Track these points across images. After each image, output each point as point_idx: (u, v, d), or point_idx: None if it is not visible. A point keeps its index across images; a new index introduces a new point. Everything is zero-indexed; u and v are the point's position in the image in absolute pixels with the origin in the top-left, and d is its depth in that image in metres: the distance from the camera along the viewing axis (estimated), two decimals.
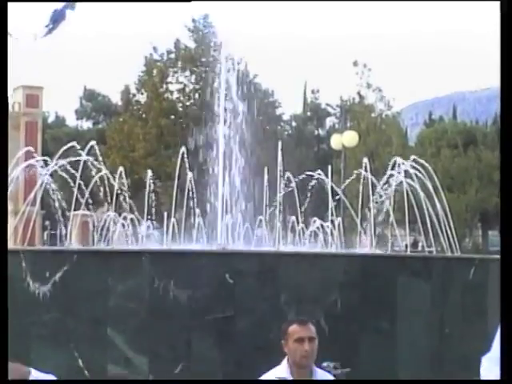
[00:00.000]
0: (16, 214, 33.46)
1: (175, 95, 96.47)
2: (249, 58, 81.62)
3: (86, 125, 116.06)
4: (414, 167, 24.73)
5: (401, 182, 24.50)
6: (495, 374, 8.41)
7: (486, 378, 8.48)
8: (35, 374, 8.75)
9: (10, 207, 26.43)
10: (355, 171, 27.87)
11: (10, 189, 27.37)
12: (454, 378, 14.85)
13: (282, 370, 9.35)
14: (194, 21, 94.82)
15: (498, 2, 8.35)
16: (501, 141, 8.37)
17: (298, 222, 26.68)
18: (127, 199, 26.72)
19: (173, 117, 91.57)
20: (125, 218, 25.65)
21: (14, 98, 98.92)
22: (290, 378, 9.29)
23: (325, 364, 9.37)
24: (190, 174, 25.88)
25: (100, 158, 26.39)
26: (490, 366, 8.51)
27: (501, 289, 7.44)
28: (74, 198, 25.53)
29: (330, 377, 9.39)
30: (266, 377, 9.37)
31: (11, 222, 33.26)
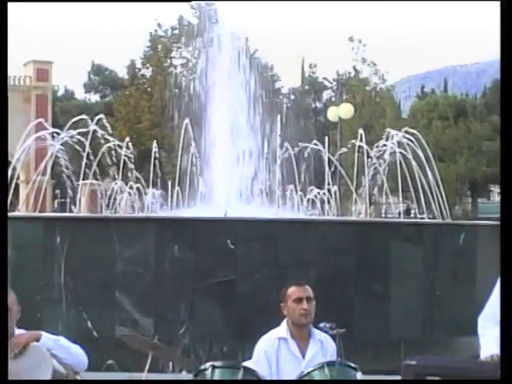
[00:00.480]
0: (27, 183, 33.45)
1: (179, 69, 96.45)
2: (248, 35, 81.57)
3: (94, 98, 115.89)
4: (406, 138, 24.75)
5: (394, 152, 24.50)
6: (493, 332, 8.48)
7: (485, 336, 8.51)
8: (46, 337, 8.78)
9: (21, 177, 26.53)
10: (351, 142, 27.87)
11: (21, 159, 27.48)
12: (444, 337, 14.88)
13: (281, 331, 9.39)
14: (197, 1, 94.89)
15: (498, 2, 8.08)
16: (501, 134, 7.69)
17: (296, 191, 26.71)
18: (133, 169, 26.74)
19: (176, 90, 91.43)
20: (131, 187, 25.67)
21: (25, 72, 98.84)
22: (289, 338, 9.32)
23: (322, 325, 9.36)
24: (193, 145, 25.90)
25: (107, 130, 26.41)
26: (486, 324, 8.62)
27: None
28: (83, 167, 25.55)
29: (328, 337, 9.41)
30: (266, 337, 9.40)
31: (23, 191, 33.17)
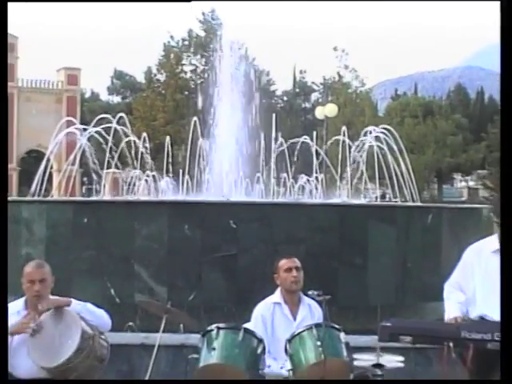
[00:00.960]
0: (59, 172, 33.42)
1: (188, 75, 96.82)
2: (247, 44, 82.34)
3: (116, 99, 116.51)
4: (382, 133, 24.83)
5: (372, 146, 24.59)
6: (456, 296, 8.54)
7: (448, 302, 8.58)
8: (75, 303, 8.79)
9: (54, 166, 26.55)
10: (335, 137, 27.96)
11: (54, 151, 27.51)
12: (414, 303, 14.93)
13: (276, 297, 9.46)
14: (203, 14, 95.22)
15: (498, 2, 7.58)
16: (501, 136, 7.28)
17: (288, 178, 26.83)
18: (149, 160, 26.86)
19: (186, 92, 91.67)
20: (148, 175, 25.76)
21: (58, 78, 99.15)
22: (282, 303, 9.38)
23: (310, 292, 9.39)
24: (200, 139, 26.04)
25: (127, 126, 26.51)
26: (451, 290, 8.66)
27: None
28: (106, 158, 25.63)
29: (315, 303, 9.43)
30: (263, 303, 9.45)
31: (56, 179, 33.11)
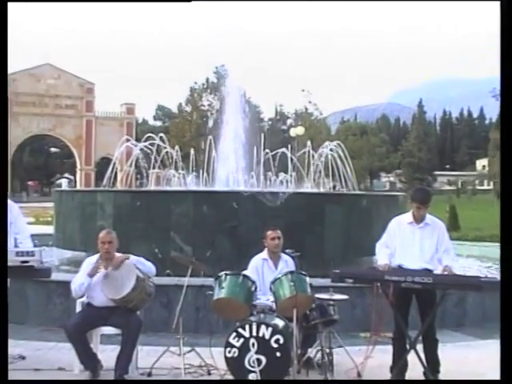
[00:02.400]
0: (121, 171, 33.35)
1: (206, 107, 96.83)
2: (245, 87, 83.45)
3: (158, 123, 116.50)
4: (334, 146, 24.86)
5: (327, 154, 24.64)
6: (383, 250, 8.56)
7: (379, 255, 8.61)
8: (132, 257, 8.82)
9: (118, 168, 26.43)
10: (303, 149, 28.07)
11: (118, 157, 27.56)
12: (355, 257, 14.93)
13: (264, 255, 9.43)
14: (216, 67, 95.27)
15: (498, 2, 6.21)
16: (501, 142, 6.45)
17: (272, 175, 26.92)
18: (180, 163, 26.95)
19: (204, 119, 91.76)
20: (179, 174, 25.80)
21: (120, 109, 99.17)
22: (268, 259, 9.39)
23: (287, 251, 9.41)
24: (213, 152, 26.22)
25: (165, 142, 26.61)
26: (380, 247, 8.64)
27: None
28: (152, 162, 25.70)
29: (289, 258, 9.43)
30: (255, 258, 9.43)
31: (119, 176, 32.97)
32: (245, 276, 8.78)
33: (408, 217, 8.63)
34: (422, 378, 8.22)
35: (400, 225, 8.65)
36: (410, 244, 8.46)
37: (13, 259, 8.59)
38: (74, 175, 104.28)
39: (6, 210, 5.33)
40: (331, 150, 24.77)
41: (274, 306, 8.66)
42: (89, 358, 8.48)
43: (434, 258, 8.37)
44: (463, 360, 9.52)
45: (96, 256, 8.89)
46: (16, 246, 9.31)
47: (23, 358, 9.30)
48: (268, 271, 9.21)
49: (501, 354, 4.64)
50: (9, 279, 9.36)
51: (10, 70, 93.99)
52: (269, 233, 9.41)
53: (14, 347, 9.74)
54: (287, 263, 9.35)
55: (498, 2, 5.93)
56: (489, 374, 8.82)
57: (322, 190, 24.39)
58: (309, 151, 26.15)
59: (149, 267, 8.91)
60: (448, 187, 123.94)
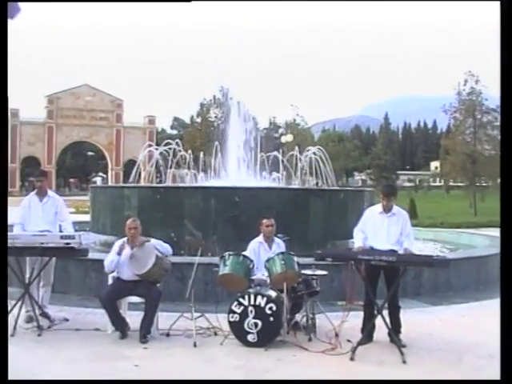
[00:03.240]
0: (144, 171, 33.32)
1: (213, 119, 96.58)
2: (244, 101, 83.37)
3: (174, 132, 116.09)
4: (317, 150, 24.85)
5: (311, 157, 24.63)
6: (359, 235, 8.57)
7: (355, 239, 8.62)
8: (153, 240, 8.84)
9: (141, 168, 26.44)
10: (291, 152, 28.00)
11: (142, 160, 27.55)
12: (335, 240, 14.89)
13: (260, 239, 9.41)
14: (221, 88, 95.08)
15: (498, 2, 5.33)
16: (501, 142, 5.67)
17: (266, 174, 26.84)
18: (192, 164, 26.89)
19: (212, 128, 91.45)
20: (191, 173, 25.74)
21: (144, 121, 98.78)
22: (263, 242, 9.38)
23: (278, 235, 9.41)
24: (219, 155, 26.14)
25: (180, 147, 26.54)
26: (357, 232, 8.64)
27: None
28: (169, 163, 25.75)
29: (281, 241, 9.44)
30: (252, 241, 9.41)
31: (142, 174, 32.94)
32: (244, 256, 8.82)
33: (379, 207, 8.71)
34: (387, 338, 8.26)
35: (372, 214, 8.72)
36: (379, 229, 8.53)
37: (58, 241, 8.65)
38: (107, 174, 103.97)
39: (6, 209, 5.10)
40: (314, 153, 24.79)
41: (268, 280, 8.69)
42: (119, 321, 8.55)
43: (399, 241, 8.43)
44: (419, 322, 9.59)
45: (123, 239, 8.93)
46: (60, 231, 9.34)
47: (67, 320, 9.38)
48: (263, 252, 9.21)
49: (501, 354, 4.48)
50: (55, 258, 9.44)
51: (54, 90, 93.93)
52: (264, 221, 9.40)
53: (59, 312, 9.81)
54: (279, 245, 9.35)
55: (498, 2, 5.31)
56: (436, 334, 8.91)
57: (306, 186, 24.36)
58: (296, 155, 26.13)
59: (166, 248, 8.95)
60: (408, 184, 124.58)
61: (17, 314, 8.55)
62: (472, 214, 40.88)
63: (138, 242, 8.70)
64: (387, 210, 8.57)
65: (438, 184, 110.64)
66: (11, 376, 6.62)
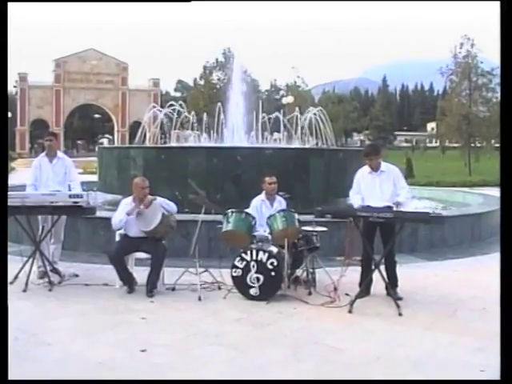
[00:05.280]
0: (149, 132, 33.26)
1: (215, 81, 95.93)
2: (247, 64, 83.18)
3: (178, 94, 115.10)
4: (317, 111, 24.71)
5: (311, 118, 24.51)
6: (356, 196, 8.58)
7: (353, 201, 8.61)
8: (159, 199, 8.85)
9: (146, 129, 26.39)
10: (292, 113, 27.83)
11: (147, 121, 27.46)
12: (333, 198, 14.88)
13: (262, 196, 9.40)
14: (224, 50, 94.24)
15: (498, 2, 5.11)
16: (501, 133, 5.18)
17: (268, 134, 26.73)
18: (195, 125, 26.77)
19: (215, 90, 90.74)
20: (194, 133, 25.65)
21: (148, 83, 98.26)
22: (265, 199, 9.36)
23: (280, 193, 9.41)
24: (221, 116, 25.95)
25: (184, 108, 26.39)
26: (353, 194, 8.64)
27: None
28: (173, 124, 25.68)
29: (282, 199, 9.45)
30: (255, 199, 9.40)
31: (147, 135, 32.93)
32: (247, 213, 8.83)
33: (367, 168, 8.70)
34: (384, 291, 8.31)
35: (363, 174, 8.72)
36: (372, 189, 8.53)
37: (67, 200, 8.67)
38: (113, 135, 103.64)
39: (6, 208, 5.00)
40: (314, 114, 24.63)
41: (269, 236, 8.71)
42: (126, 276, 8.60)
43: (394, 196, 8.43)
44: (415, 277, 9.64)
45: (130, 198, 8.93)
46: (69, 191, 9.35)
47: (77, 275, 9.46)
48: (265, 209, 9.20)
49: (501, 354, 4.46)
50: (64, 216, 9.47)
51: (61, 54, 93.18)
52: (266, 179, 9.38)
53: (69, 268, 9.87)
54: (280, 203, 9.35)
55: (498, 2, 5.10)
56: (431, 288, 8.97)
57: (307, 145, 24.29)
58: (297, 115, 25.96)
59: (171, 206, 8.97)
60: (405, 144, 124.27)
61: (28, 270, 8.62)
62: (467, 174, 40.80)
63: (145, 200, 8.71)
64: (375, 168, 8.57)
65: (434, 144, 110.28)
66: (23, 328, 6.70)
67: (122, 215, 8.70)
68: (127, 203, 8.87)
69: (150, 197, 8.79)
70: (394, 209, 8.14)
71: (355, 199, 8.56)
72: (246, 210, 8.94)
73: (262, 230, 8.90)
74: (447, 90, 60.31)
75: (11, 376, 4.62)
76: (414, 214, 8.23)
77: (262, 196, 9.41)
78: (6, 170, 5.37)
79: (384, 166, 8.65)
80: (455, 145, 59.12)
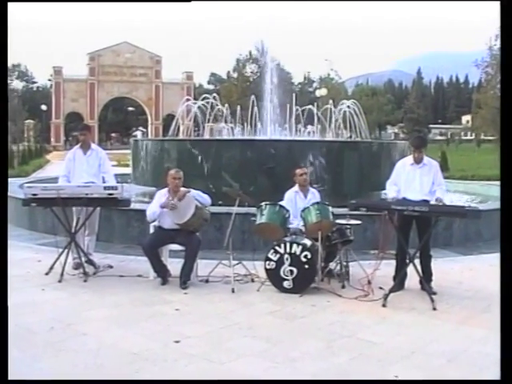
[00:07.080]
0: (183, 125, 33.29)
1: (249, 74, 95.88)
2: (280, 58, 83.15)
3: (211, 87, 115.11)
4: (351, 104, 24.57)
5: (345, 110, 24.39)
6: (392, 187, 8.51)
7: (389, 191, 8.56)
8: (193, 191, 8.86)
9: (180, 122, 26.45)
10: (325, 106, 27.71)
11: (180, 114, 27.53)
12: (368, 191, 14.79)
13: (295, 188, 9.38)
14: (257, 43, 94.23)
15: (498, 2, 5.02)
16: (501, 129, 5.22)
17: (302, 127, 26.67)
18: (229, 118, 26.82)
19: (248, 83, 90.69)
20: (228, 126, 25.71)
21: (182, 76, 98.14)
22: (299, 191, 9.33)
23: (314, 185, 9.40)
24: (256, 107, 25.96)
25: (218, 101, 26.39)
26: (389, 185, 8.58)
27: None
28: (207, 117, 25.67)
29: (316, 191, 9.42)
30: (289, 191, 9.39)
31: (181, 128, 32.95)
32: (280, 206, 8.81)
33: (410, 159, 8.62)
34: (418, 286, 8.25)
35: (404, 166, 8.63)
36: (411, 180, 8.45)
37: (101, 192, 8.75)
38: (147, 128, 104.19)
39: (6, 207, 5.01)
40: (348, 107, 24.51)
41: (303, 229, 8.70)
42: (160, 268, 8.65)
43: (431, 191, 8.36)
44: (449, 271, 9.56)
45: (165, 190, 8.96)
46: (104, 183, 9.43)
47: (111, 267, 9.53)
48: (300, 201, 9.19)
49: (501, 355, 4.37)
50: (99, 208, 9.55)
51: (95, 48, 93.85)
52: (297, 170, 9.38)
53: (104, 259, 9.97)
54: (314, 195, 9.33)
55: (498, 2, 5.01)
56: (466, 282, 8.87)
57: (340, 138, 24.17)
58: (330, 108, 25.85)
59: (205, 199, 8.97)
60: (440, 137, 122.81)
61: (64, 261, 8.71)
62: None
63: (179, 192, 8.73)
64: (418, 161, 8.48)
65: (469, 138, 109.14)
66: (58, 318, 6.77)
67: (156, 207, 8.74)
68: (162, 194, 8.91)
69: (183, 189, 8.80)
70: (432, 202, 8.08)
71: (391, 190, 8.49)
72: (280, 203, 8.93)
73: (295, 223, 8.89)
74: (482, 83, 59.59)
75: (50, 364, 4.66)
76: (450, 208, 8.16)
77: (296, 188, 9.39)
78: (6, 168, 5.36)
79: (426, 159, 8.58)
80: (490, 138, 58.43)
